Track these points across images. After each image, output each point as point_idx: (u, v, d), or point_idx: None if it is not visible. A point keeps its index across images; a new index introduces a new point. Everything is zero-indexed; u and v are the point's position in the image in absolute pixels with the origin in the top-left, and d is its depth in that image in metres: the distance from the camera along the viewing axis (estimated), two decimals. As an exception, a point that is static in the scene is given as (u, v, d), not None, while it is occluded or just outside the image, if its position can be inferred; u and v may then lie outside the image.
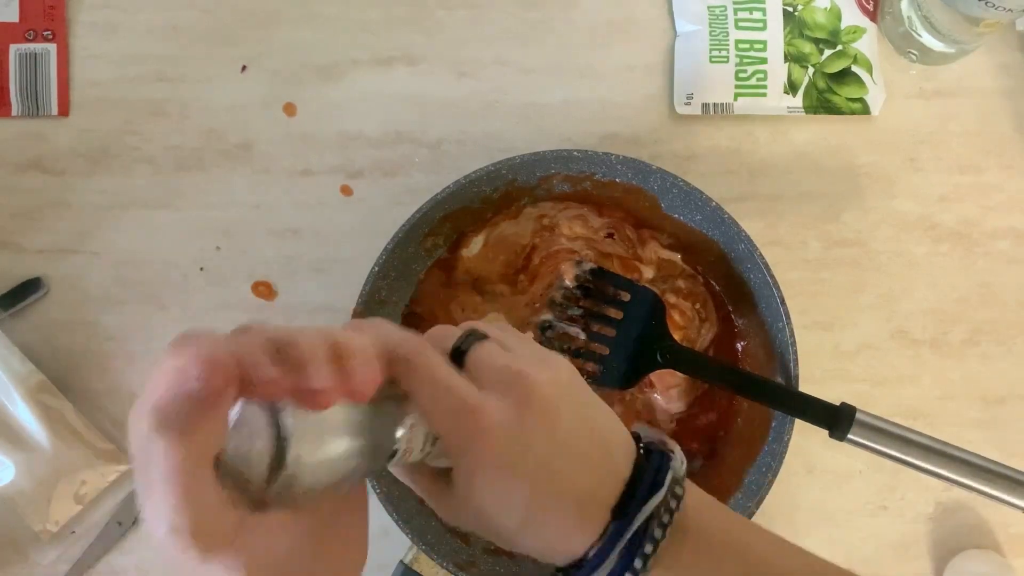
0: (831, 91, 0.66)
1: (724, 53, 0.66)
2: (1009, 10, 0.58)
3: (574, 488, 0.34)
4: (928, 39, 0.65)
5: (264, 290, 0.64)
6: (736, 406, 0.60)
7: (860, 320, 0.65)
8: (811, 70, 0.66)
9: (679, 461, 0.36)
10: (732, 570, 0.36)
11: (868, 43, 0.67)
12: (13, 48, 0.65)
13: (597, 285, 0.58)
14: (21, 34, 0.65)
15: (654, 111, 0.66)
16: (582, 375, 0.38)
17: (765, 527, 0.38)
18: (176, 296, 0.64)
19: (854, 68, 0.66)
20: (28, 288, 0.63)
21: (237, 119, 0.65)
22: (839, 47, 0.67)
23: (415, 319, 0.61)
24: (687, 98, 0.66)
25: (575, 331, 0.57)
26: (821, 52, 0.67)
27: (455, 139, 0.66)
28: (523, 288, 0.61)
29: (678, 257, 0.62)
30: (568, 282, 0.58)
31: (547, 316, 0.58)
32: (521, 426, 0.33)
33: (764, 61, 0.66)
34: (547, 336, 0.58)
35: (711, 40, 0.66)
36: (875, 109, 0.66)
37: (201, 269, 0.64)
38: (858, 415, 0.51)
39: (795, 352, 0.54)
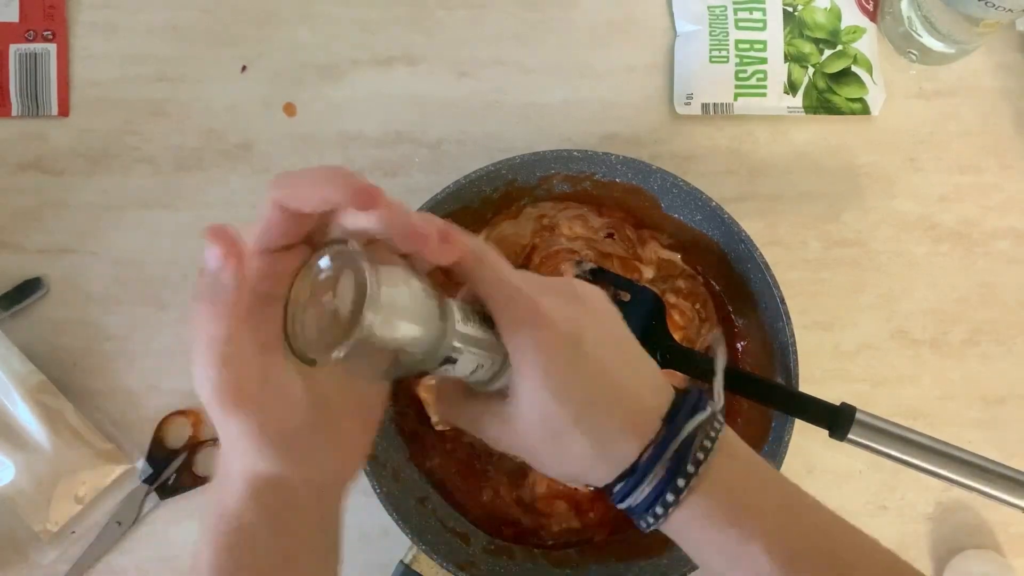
0: (831, 91, 0.66)
1: (724, 53, 0.66)
2: (1009, 10, 0.58)
3: (628, 386, 0.37)
4: (928, 39, 0.65)
5: (264, 290, 0.64)
6: (736, 406, 0.60)
7: (860, 320, 0.65)
8: (811, 70, 0.66)
9: (716, 396, 0.39)
10: (775, 495, 0.38)
11: (868, 43, 0.67)
12: (13, 48, 0.65)
13: (597, 285, 0.57)
14: (21, 34, 0.65)
15: (654, 111, 0.66)
16: None
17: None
18: (176, 296, 0.64)
19: (854, 68, 0.66)
20: (28, 288, 0.63)
21: (237, 119, 0.65)
22: (839, 47, 0.67)
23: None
24: (687, 98, 0.66)
25: (575, 331, 0.57)
26: (821, 52, 0.67)
27: (455, 139, 0.66)
28: (523, 288, 0.61)
29: (678, 257, 0.62)
30: (568, 282, 0.58)
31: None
32: (577, 317, 0.36)
33: (764, 61, 0.66)
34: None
35: (711, 40, 0.66)
36: (875, 109, 0.66)
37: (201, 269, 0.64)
38: (858, 415, 0.51)
39: (795, 352, 0.54)
